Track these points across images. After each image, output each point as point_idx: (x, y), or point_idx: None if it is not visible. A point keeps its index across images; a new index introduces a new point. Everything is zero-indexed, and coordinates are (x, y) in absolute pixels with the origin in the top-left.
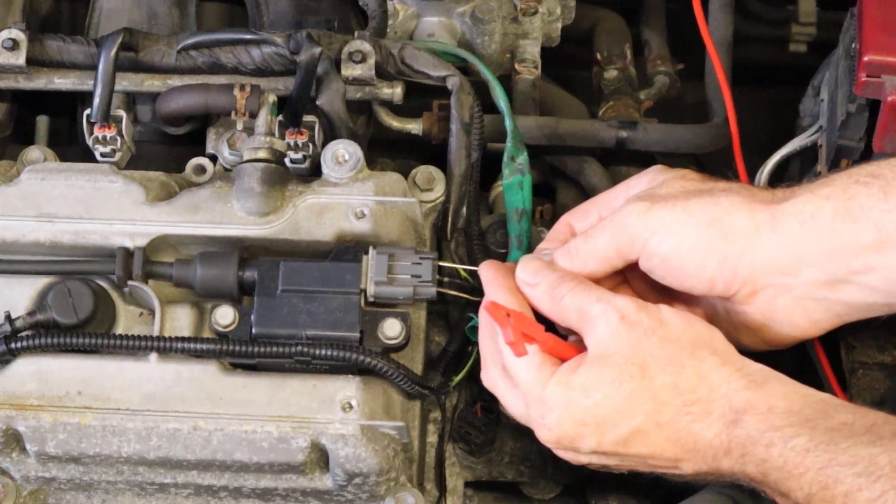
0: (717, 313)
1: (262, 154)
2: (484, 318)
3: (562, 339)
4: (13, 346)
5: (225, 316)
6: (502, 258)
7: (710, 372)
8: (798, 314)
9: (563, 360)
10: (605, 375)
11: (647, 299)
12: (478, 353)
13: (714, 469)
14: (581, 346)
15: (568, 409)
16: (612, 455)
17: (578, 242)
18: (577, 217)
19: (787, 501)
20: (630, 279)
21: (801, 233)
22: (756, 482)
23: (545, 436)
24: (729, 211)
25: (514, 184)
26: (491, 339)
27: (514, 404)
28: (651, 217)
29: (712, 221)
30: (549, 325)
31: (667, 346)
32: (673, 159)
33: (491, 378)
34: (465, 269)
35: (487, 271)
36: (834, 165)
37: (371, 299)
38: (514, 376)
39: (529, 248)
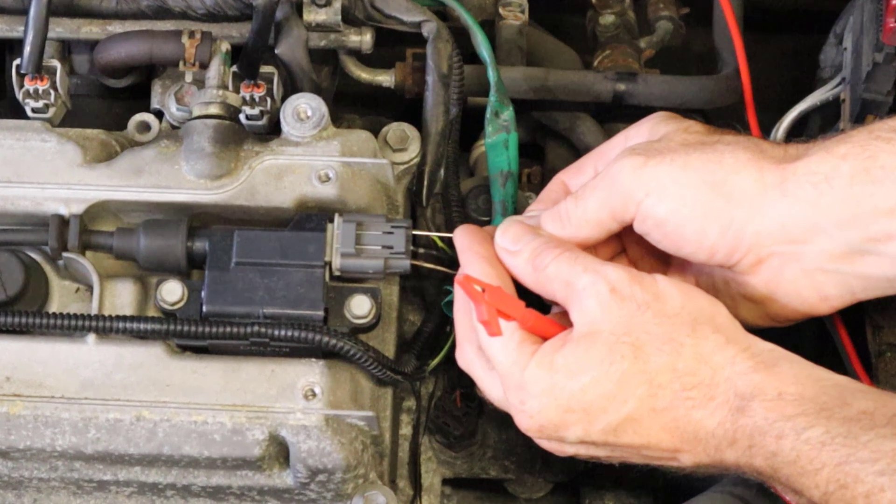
0: (717, 284)
1: (214, 109)
2: (458, 292)
3: (546, 316)
4: None
5: (172, 292)
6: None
7: (712, 352)
8: (807, 287)
9: (546, 339)
10: (593, 355)
11: (642, 266)
12: None
13: (717, 461)
14: (566, 322)
15: (551, 394)
16: (601, 445)
17: (569, 205)
18: (572, 174)
19: (799, 499)
20: (626, 242)
21: (815, 197)
22: (765, 477)
23: (525, 423)
24: (734, 169)
25: (499, 143)
26: (466, 314)
27: (492, 388)
28: (646, 174)
29: (715, 182)
30: (535, 299)
31: (664, 322)
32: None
33: (466, 358)
34: (440, 238)
35: (463, 238)
36: (858, 122)
37: (337, 273)
38: (490, 358)
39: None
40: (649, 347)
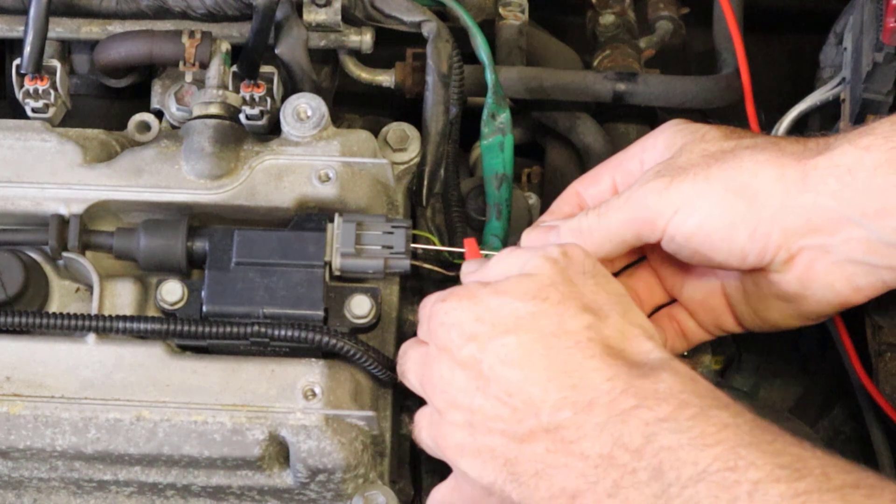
0: (746, 287)
1: (214, 109)
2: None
3: None
4: None
5: (172, 292)
6: (483, 226)
7: (630, 340)
8: (839, 279)
9: None
10: (521, 285)
11: (664, 273)
12: None
13: (578, 426)
14: None
15: (472, 299)
16: (486, 377)
17: (591, 222)
18: (587, 184)
19: (649, 482)
20: (646, 249)
21: (839, 189)
22: (622, 448)
23: (438, 320)
24: (754, 172)
25: (495, 145)
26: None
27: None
28: (672, 193)
29: (738, 188)
30: None
31: (599, 291)
32: (677, 115)
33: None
34: (448, 251)
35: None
36: (858, 121)
37: (337, 273)
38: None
39: (510, 218)
40: (575, 302)
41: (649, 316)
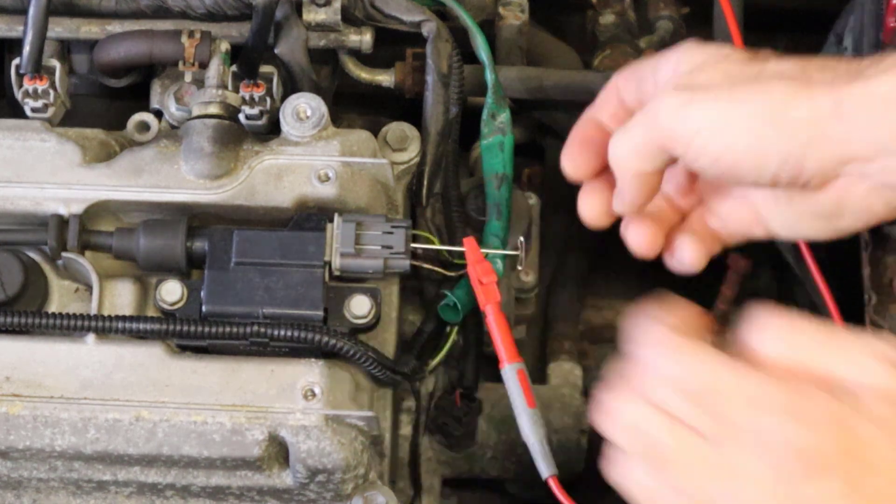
0: (779, 203)
1: (214, 109)
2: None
3: None
4: None
5: (171, 292)
6: (483, 226)
7: None
8: (877, 202)
9: None
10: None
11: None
12: (456, 333)
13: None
14: None
15: None
16: None
17: (617, 136)
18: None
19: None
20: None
21: (875, 120)
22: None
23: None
24: (785, 101)
25: (494, 145)
26: None
27: None
28: (692, 112)
29: (766, 115)
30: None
31: None
32: None
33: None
34: (448, 251)
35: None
36: None
37: (336, 273)
38: None
39: (510, 218)
40: None
41: (681, 222)
